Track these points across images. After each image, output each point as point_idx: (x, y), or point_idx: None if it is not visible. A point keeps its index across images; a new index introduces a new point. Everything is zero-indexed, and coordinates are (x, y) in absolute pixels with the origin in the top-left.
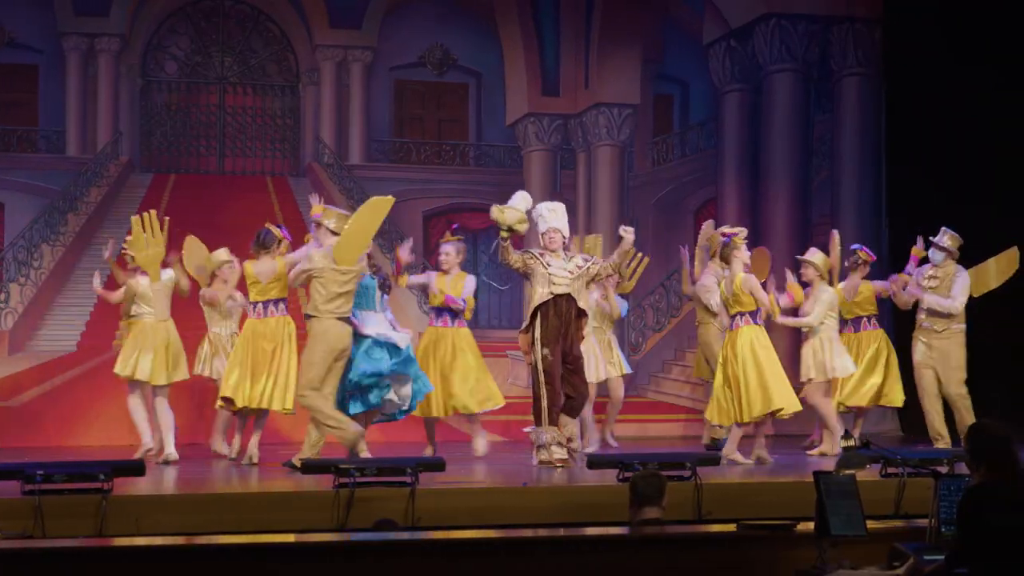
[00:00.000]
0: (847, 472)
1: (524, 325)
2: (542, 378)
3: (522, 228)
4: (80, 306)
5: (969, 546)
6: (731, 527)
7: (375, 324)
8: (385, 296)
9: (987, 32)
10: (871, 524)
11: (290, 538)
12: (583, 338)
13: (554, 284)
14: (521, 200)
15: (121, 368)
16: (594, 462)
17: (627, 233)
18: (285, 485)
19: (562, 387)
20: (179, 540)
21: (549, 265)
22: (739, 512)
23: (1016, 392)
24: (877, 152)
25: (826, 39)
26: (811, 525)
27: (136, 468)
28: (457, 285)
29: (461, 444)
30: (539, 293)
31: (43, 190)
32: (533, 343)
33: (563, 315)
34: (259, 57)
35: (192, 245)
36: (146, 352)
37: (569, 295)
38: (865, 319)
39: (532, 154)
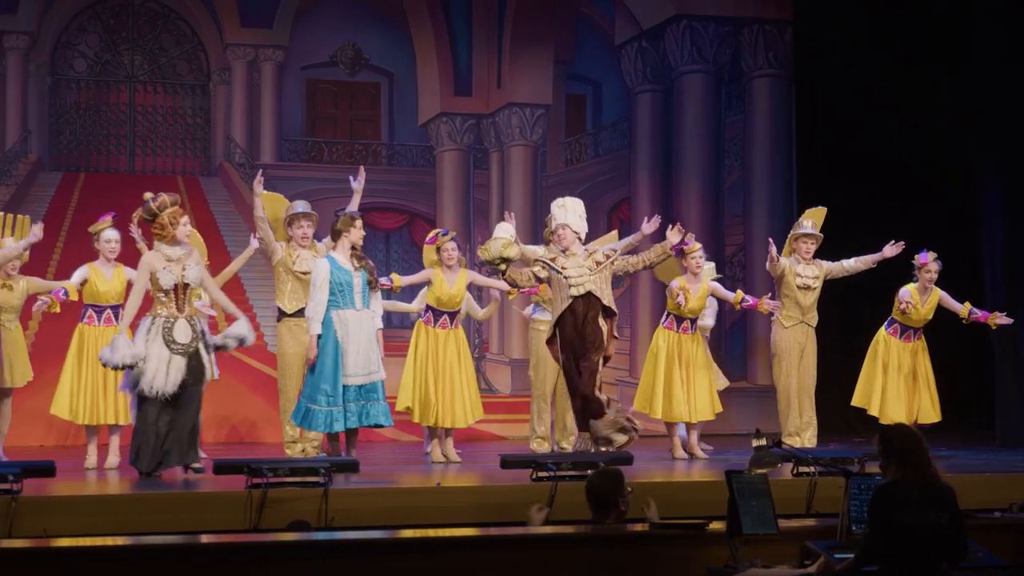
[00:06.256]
0: (759, 471)
1: (548, 336)
2: (567, 385)
3: (511, 252)
4: None
5: (879, 544)
6: (644, 526)
7: None
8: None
9: (894, 32)
10: (783, 523)
11: (203, 539)
12: (604, 340)
13: (572, 287)
14: (501, 230)
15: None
16: (508, 462)
17: (675, 234)
18: (197, 486)
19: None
20: (95, 542)
21: (564, 268)
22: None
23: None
24: (788, 152)
25: (737, 40)
26: (724, 524)
27: (46, 469)
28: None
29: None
30: (558, 303)
31: None
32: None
33: (580, 318)
34: (169, 56)
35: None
36: None
37: (589, 294)
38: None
39: (445, 154)
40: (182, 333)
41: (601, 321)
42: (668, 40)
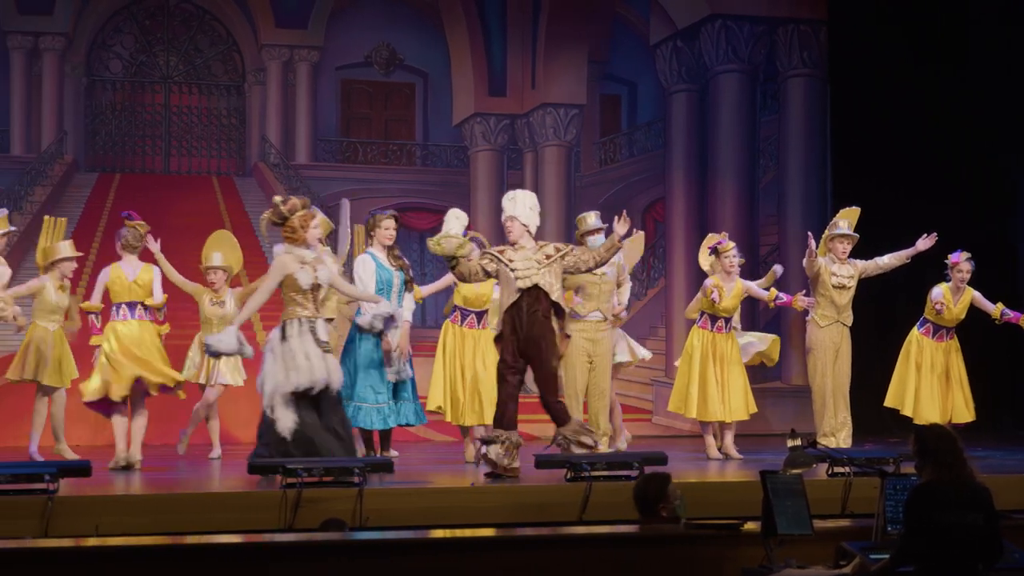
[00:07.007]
0: (794, 472)
1: (496, 333)
2: (497, 383)
3: (464, 252)
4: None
5: (914, 544)
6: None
7: None
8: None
9: (929, 33)
10: (818, 523)
11: (237, 538)
12: (554, 340)
13: (518, 280)
14: (455, 222)
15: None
16: (543, 462)
17: (621, 226)
18: (232, 485)
19: (515, 390)
20: (128, 541)
21: (512, 261)
22: (687, 511)
23: None
24: (823, 152)
25: (772, 40)
26: (758, 524)
27: (81, 469)
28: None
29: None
30: (506, 298)
31: None
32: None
33: (525, 314)
34: (204, 56)
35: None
36: None
37: (536, 288)
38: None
39: (479, 154)
40: (323, 332)
41: (552, 319)
42: (703, 40)
